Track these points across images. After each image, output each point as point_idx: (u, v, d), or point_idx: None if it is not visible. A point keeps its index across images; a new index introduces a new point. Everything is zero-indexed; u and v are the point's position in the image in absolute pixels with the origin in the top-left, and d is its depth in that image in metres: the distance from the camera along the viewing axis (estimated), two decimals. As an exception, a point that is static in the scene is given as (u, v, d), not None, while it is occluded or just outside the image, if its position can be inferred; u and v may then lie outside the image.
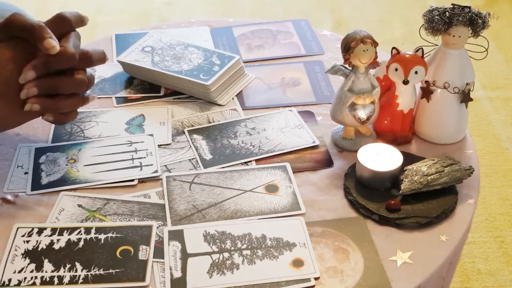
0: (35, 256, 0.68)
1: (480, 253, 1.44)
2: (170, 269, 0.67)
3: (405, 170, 0.75)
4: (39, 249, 0.69)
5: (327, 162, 0.82)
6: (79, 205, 0.75)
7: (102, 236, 0.71)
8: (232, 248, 0.69)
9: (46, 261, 0.68)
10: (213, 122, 0.89)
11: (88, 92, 0.81)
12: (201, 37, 1.07)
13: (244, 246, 0.70)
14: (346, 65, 0.80)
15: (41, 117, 0.77)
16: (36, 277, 0.66)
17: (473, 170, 0.76)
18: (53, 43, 0.72)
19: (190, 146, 0.84)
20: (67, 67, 0.74)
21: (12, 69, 0.72)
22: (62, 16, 0.76)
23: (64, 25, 0.76)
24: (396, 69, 0.79)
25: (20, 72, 0.72)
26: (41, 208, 0.75)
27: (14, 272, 0.67)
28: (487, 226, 1.50)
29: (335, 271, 0.67)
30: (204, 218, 0.73)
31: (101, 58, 0.80)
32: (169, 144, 0.85)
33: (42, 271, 0.67)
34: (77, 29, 0.78)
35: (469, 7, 0.78)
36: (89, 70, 0.79)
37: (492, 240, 1.47)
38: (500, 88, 1.97)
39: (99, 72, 0.99)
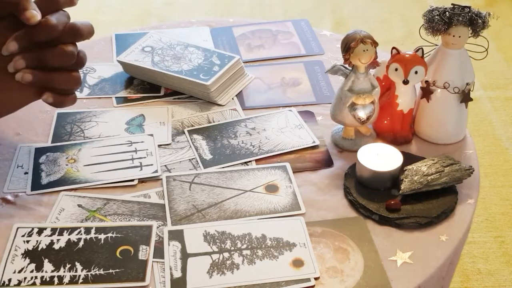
0: (35, 256, 0.68)
1: (480, 253, 1.44)
2: (170, 269, 0.67)
3: (405, 170, 0.75)
4: (39, 249, 0.69)
5: (327, 162, 0.82)
6: (79, 205, 0.75)
7: (102, 236, 0.71)
8: (232, 248, 0.69)
9: (46, 261, 0.68)
10: (213, 122, 0.89)
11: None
12: (201, 37, 1.07)
13: (244, 246, 0.70)
14: (346, 65, 0.80)
15: (41, 98, 0.76)
16: (36, 277, 0.66)
17: (473, 170, 0.76)
18: (33, 13, 0.72)
19: (190, 146, 0.84)
20: (50, 38, 0.74)
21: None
22: None
23: (51, 5, 0.76)
24: (396, 69, 0.79)
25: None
26: (41, 208, 0.75)
27: (14, 272, 0.67)
28: (487, 226, 1.50)
29: (335, 271, 0.67)
30: (204, 218, 0.73)
31: (90, 31, 0.78)
32: (169, 144, 0.85)
33: (42, 271, 0.67)
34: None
35: (469, 7, 0.78)
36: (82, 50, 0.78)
37: (492, 240, 1.47)
38: (500, 88, 1.97)
39: (99, 72, 0.99)
